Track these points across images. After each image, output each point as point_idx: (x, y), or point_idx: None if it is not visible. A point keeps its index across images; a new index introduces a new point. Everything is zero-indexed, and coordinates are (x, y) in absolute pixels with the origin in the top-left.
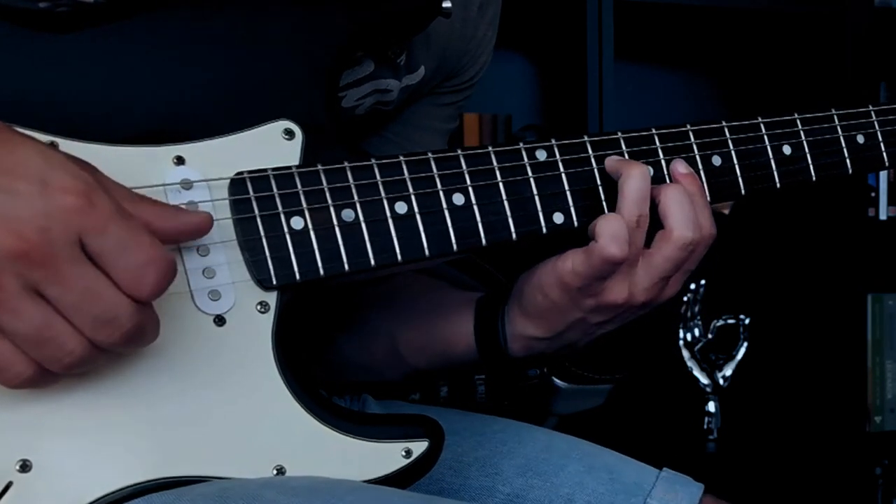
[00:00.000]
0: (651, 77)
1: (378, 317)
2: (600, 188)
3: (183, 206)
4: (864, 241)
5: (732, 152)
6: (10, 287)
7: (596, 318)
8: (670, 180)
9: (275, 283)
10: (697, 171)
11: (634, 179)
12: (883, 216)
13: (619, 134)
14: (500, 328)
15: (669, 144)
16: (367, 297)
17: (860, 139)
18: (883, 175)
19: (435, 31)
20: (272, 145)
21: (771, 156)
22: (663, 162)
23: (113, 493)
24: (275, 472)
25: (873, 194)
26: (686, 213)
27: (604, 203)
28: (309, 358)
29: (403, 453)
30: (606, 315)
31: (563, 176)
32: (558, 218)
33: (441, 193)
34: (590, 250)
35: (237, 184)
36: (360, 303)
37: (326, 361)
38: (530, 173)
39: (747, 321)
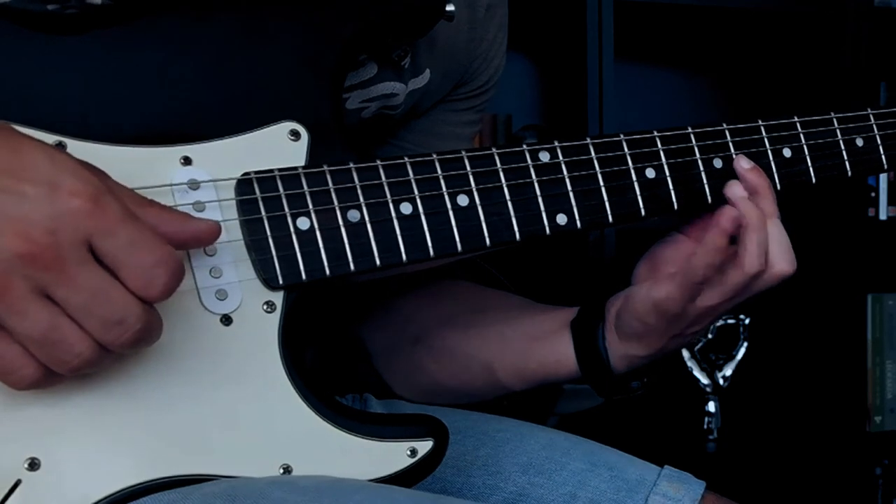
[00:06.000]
0: (651, 77)
1: (471, 346)
2: (603, 189)
3: (190, 206)
4: (864, 241)
5: (734, 155)
6: (18, 289)
7: (692, 329)
8: (672, 183)
9: (281, 282)
10: (699, 174)
11: (758, 232)
12: (883, 216)
13: (622, 136)
14: (602, 350)
15: (671, 147)
16: (458, 325)
17: (859, 142)
18: (883, 175)
19: (440, 34)
20: (278, 146)
21: (771, 158)
22: (665, 165)
23: (120, 491)
24: (281, 470)
25: (873, 194)
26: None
27: (606, 204)
28: (395, 380)
29: (409, 452)
30: (702, 324)
31: (566, 177)
32: (561, 219)
33: (445, 194)
34: (680, 275)
35: (244, 184)
36: (450, 331)
37: (414, 385)
38: (534, 175)
39: (747, 321)
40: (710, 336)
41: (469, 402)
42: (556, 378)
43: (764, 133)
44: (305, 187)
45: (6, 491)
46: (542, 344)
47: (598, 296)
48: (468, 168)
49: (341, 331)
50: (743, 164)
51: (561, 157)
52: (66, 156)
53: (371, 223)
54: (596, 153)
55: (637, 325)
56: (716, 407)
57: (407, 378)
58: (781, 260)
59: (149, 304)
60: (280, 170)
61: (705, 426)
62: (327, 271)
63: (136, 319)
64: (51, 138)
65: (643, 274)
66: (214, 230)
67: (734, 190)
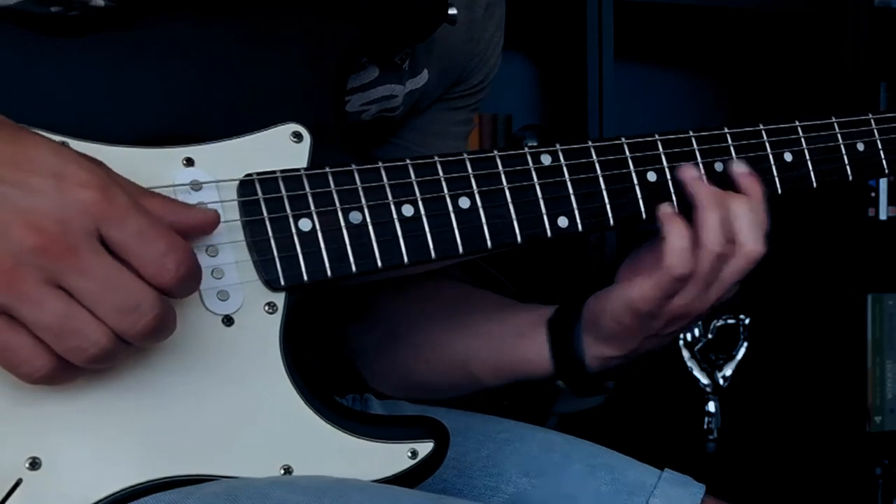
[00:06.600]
0: (651, 77)
1: (451, 341)
2: (604, 192)
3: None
4: (864, 241)
5: (735, 159)
6: (30, 280)
7: (668, 330)
8: (674, 185)
9: (283, 283)
10: (699, 177)
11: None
12: (883, 216)
13: (623, 139)
14: (577, 349)
15: (673, 150)
16: (438, 322)
17: (860, 147)
18: None
19: (439, 35)
20: (281, 148)
21: (772, 162)
22: (666, 168)
23: (121, 491)
24: (282, 471)
25: (873, 194)
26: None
27: (607, 207)
28: (374, 376)
29: (409, 454)
30: (677, 325)
31: (568, 180)
32: (563, 222)
33: (447, 196)
34: (656, 272)
35: (246, 185)
36: (430, 328)
37: (393, 380)
38: (535, 177)
39: (747, 321)
40: (710, 336)
41: (446, 398)
42: (531, 375)
43: (765, 137)
44: (307, 189)
45: (7, 490)
46: (518, 341)
47: (578, 295)
48: (470, 170)
49: (341, 331)
50: (739, 168)
51: (562, 160)
52: (70, 150)
53: (373, 225)
54: (597, 156)
55: (612, 325)
56: (716, 407)
57: (386, 374)
58: (751, 239)
59: (162, 293)
60: (282, 171)
61: (705, 426)
62: (329, 272)
63: (151, 306)
64: (54, 138)
65: (625, 275)
66: (213, 218)
67: (687, 172)
